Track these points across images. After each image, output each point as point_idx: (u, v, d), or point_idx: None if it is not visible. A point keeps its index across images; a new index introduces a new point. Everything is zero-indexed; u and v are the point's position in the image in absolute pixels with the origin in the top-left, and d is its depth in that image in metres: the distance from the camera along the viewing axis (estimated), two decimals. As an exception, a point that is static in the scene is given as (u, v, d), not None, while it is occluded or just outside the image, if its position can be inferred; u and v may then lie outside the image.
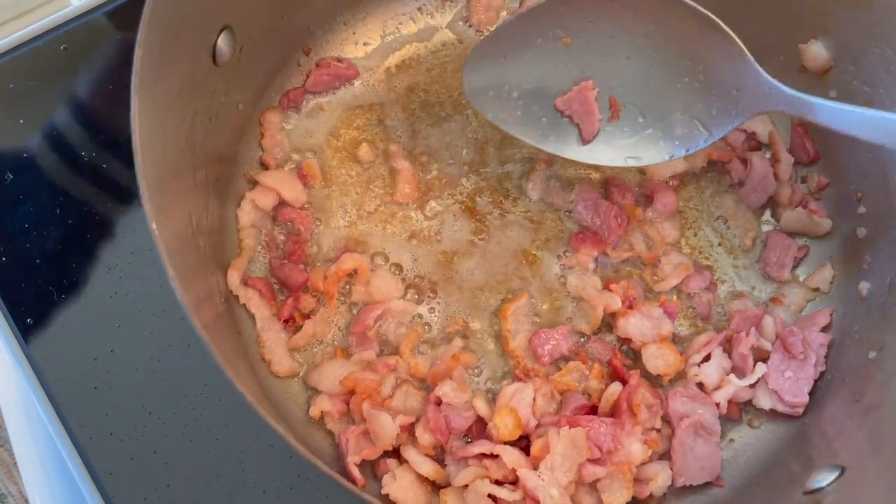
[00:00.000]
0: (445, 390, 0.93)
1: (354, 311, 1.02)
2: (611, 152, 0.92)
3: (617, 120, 0.93)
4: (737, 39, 0.88)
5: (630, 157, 0.92)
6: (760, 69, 0.88)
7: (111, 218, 1.09)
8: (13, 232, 1.07)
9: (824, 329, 1.02)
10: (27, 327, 1.02)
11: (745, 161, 1.12)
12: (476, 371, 1.01)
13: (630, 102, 0.92)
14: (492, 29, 1.21)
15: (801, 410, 0.97)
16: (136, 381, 1.01)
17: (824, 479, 0.85)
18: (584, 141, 0.93)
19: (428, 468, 0.90)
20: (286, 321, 1.00)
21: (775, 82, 0.88)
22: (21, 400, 1.04)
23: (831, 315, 1.03)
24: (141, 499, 0.95)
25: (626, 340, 1.02)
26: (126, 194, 1.10)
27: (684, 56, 0.90)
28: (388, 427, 0.90)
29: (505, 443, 0.90)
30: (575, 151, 0.94)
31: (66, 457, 0.97)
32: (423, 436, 0.92)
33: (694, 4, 0.88)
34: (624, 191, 1.09)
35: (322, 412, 0.95)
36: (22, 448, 1.03)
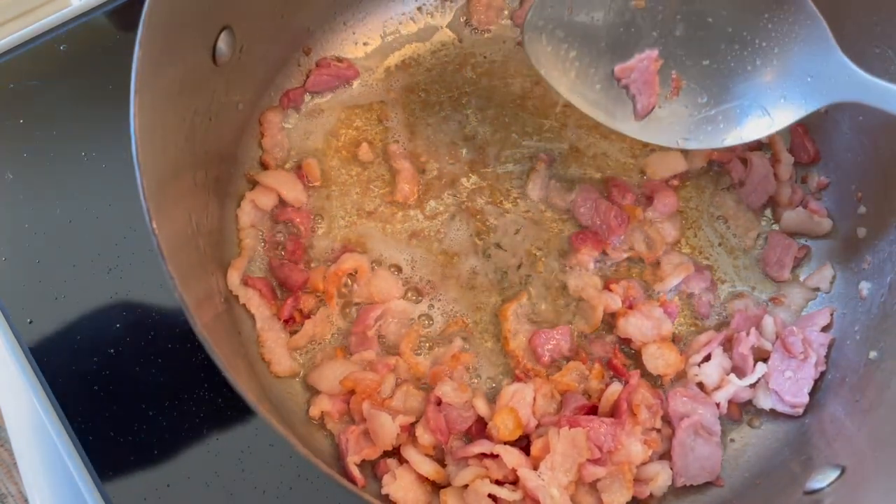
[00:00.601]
0: (445, 390, 0.93)
1: (354, 311, 1.02)
2: (663, 131, 0.88)
3: (676, 98, 0.88)
4: (823, 21, 0.83)
5: (684, 138, 0.87)
6: (842, 55, 0.83)
7: (111, 218, 1.09)
8: (13, 232, 1.07)
9: (824, 329, 1.02)
10: (27, 327, 1.02)
11: (745, 161, 1.12)
12: (476, 371, 1.01)
13: (693, 81, 0.87)
14: (492, 28, 1.22)
15: (801, 410, 0.97)
16: (136, 381, 1.01)
17: (824, 479, 0.85)
18: (638, 116, 0.89)
19: (428, 468, 0.90)
20: (286, 321, 1.00)
21: (859, 70, 0.83)
22: (21, 400, 1.04)
23: (831, 315, 1.03)
24: (141, 499, 0.95)
25: (626, 340, 1.02)
26: (126, 194, 1.10)
27: (762, 36, 0.85)
28: (388, 427, 0.90)
29: (505, 443, 0.90)
30: (626, 125, 0.89)
31: (66, 457, 0.97)
32: (423, 436, 0.92)
33: None
34: (624, 191, 1.09)
35: (322, 412, 0.95)
36: (22, 448, 1.03)
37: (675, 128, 0.87)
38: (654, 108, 0.88)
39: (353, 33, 1.19)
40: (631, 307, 1.03)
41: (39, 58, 1.18)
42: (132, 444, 0.97)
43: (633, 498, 0.91)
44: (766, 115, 0.86)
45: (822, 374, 0.99)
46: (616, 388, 0.95)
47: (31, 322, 1.03)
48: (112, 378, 1.00)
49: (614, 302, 1.03)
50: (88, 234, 1.08)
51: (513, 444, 0.90)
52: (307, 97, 1.14)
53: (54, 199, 1.10)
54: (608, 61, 0.89)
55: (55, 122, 1.14)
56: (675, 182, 1.12)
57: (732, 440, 1.00)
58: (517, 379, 0.98)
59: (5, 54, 1.17)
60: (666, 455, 0.96)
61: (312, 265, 1.04)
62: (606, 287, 1.05)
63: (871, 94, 0.82)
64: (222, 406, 1.00)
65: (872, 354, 0.95)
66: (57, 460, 0.99)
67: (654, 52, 0.88)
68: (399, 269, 1.06)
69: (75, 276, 1.06)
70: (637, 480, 0.92)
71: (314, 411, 0.95)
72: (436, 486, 0.91)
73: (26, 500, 1.01)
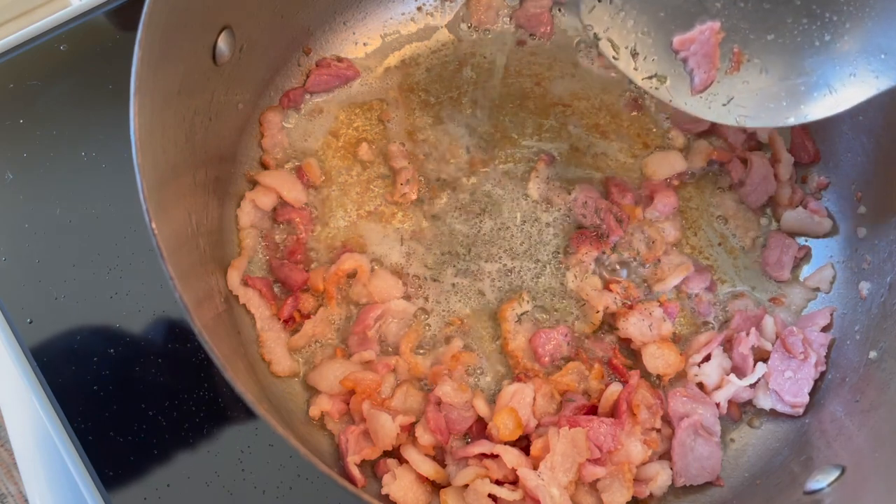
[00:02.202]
0: (445, 390, 0.93)
1: (354, 311, 1.02)
2: (722, 108, 0.83)
3: (737, 73, 0.84)
4: None
5: (744, 116, 0.82)
6: None
7: (111, 218, 1.09)
8: (13, 232, 1.07)
9: (824, 329, 1.02)
10: (27, 327, 1.02)
11: (745, 161, 1.12)
12: (476, 371, 1.01)
13: (756, 56, 0.82)
14: (492, 28, 1.22)
15: (801, 410, 0.97)
16: (136, 381, 1.01)
17: (824, 479, 0.85)
18: (696, 90, 0.84)
19: (428, 468, 0.90)
20: (286, 321, 1.00)
21: None
22: (21, 400, 1.04)
23: (831, 315, 1.03)
24: (141, 499, 0.95)
25: (626, 340, 1.02)
26: (127, 194, 1.10)
27: (833, 9, 0.79)
28: (388, 427, 0.90)
29: (505, 443, 0.90)
30: (682, 100, 0.85)
31: (66, 457, 0.96)
32: (423, 436, 0.92)
33: None
34: (624, 190, 1.09)
35: (322, 412, 0.95)
36: (22, 448, 1.03)
37: (734, 104, 0.83)
38: (712, 82, 0.84)
39: (353, 33, 1.19)
40: (631, 307, 1.03)
41: (39, 58, 1.18)
42: (132, 444, 0.97)
43: (633, 498, 0.91)
44: (832, 94, 0.81)
45: (822, 374, 0.99)
46: (616, 388, 0.95)
47: (31, 322, 1.03)
48: (112, 378, 1.00)
49: (614, 302, 1.03)
50: (88, 234, 1.08)
51: (513, 444, 0.91)
52: (307, 97, 1.14)
53: (54, 199, 1.10)
54: (667, 31, 0.85)
55: (55, 122, 1.14)
56: (676, 182, 1.13)
57: (732, 440, 1.00)
58: (517, 379, 0.98)
59: (5, 54, 1.17)
60: (666, 455, 0.96)
61: (312, 265, 1.04)
62: (606, 287, 1.05)
63: None
64: (222, 406, 1.00)
65: (872, 354, 0.95)
66: (57, 460, 0.99)
67: (717, 24, 0.84)
68: (399, 269, 1.06)
69: (75, 276, 1.06)
70: (637, 480, 0.92)
71: (314, 411, 0.95)
72: (436, 486, 0.91)
73: (26, 500, 1.01)
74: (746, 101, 0.82)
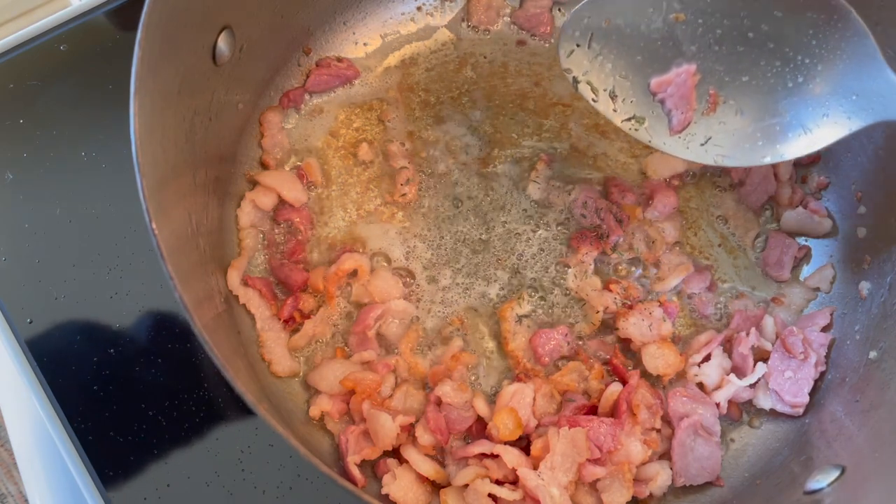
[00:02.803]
0: (445, 390, 0.93)
1: (354, 312, 1.02)
2: (699, 148, 0.85)
3: (713, 114, 0.85)
4: (871, 37, 0.80)
5: (720, 155, 0.84)
6: (891, 72, 0.80)
7: (111, 218, 1.09)
8: (13, 232, 1.07)
9: (824, 329, 1.02)
10: (27, 327, 1.02)
11: (745, 161, 1.12)
12: (476, 371, 1.01)
13: (731, 97, 0.84)
14: (492, 28, 1.22)
15: (801, 410, 0.97)
16: (136, 381, 1.01)
17: (824, 479, 0.85)
18: (673, 131, 0.86)
19: (428, 468, 0.90)
20: (286, 321, 1.00)
21: None
22: (21, 400, 1.04)
23: (831, 315, 1.03)
24: (141, 499, 0.95)
25: (626, 340, 1.02)
26: (127, 194, 1.10)
27: (805, 52, 0.81)
28: (388, 427, 0.90)
29: (505, 443, 0.90)
30: (660, 140, 0.86)
31: (66, 457, 0.96)
32: (423, 436, 0.92)
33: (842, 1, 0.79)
34: (624, 190, 1.09)
35: (322, 412, 0.95)
36: (22, 448, 1.03)
37: (711, 144, 0.85)
38: (690, 123, 0.86)
39: (353, 33, 1.19)
40: (631, 307, 1.03)
41: (39, 58, 1.18)
42: (132, 444, 0.97)
43: (633, 498, 0.91)
44: (807, 133, 0.83)
45: (822, 374, 0.99)
46: (616, 388, 0.95)
47: (30, 322, 1.03)
48: (112, 378, 1.00)
49: (614, 302, 1.03)
50: (88, 234, 1.08)
51: (513, 444, 0.91)
52: (307, 97, 1.14)
53: (54, 199, 1.10)
54: (645, 74, 0.87)
55: (55, 122, 1.14)
56: (676, 182, 1.12)
57: (732, 440, 1.00)
58: (517, 379, 0.98)
59: (5, 54, 1.17)
60: (666, 455, 0.96)
61: (312, 265, 1.04)
62: (606, 287, 1.05)
63: None
64: (222, 406, 1.00)
65: (872, 354, 0.95)
66: (57, 460, 0.99)
67: (693, 67, 0.86)
68: (399, 269, 1.06)
69: (75, 276, 1.06)
70: (637, 480, 0.92)
71: (314, 411, 0.95)
72: (436, 486, 0.91)
73: (26, 500, 1.01)
74: (723, 140, 0.84)
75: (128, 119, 0.71)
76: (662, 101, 0.86)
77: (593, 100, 0.88)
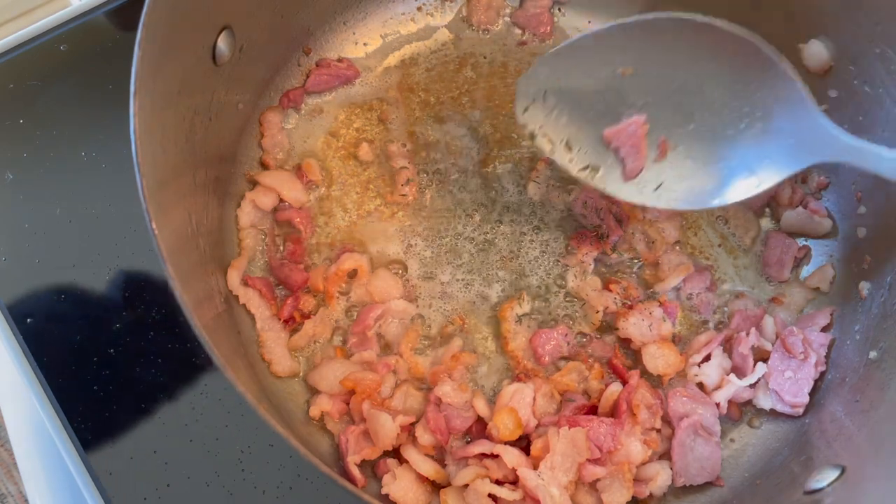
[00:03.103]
0: (445, 390, 0.93)
1: (354, 311, 1.02)
2: (652, 192, 0.89)
3: (664, 160, 0.90)
4: (804, 87, 0.85)
5: (672, 199, 0.88)
6: (824, 117, 0.84)
7: (111, 218, 1.09)
8: (13, 232, 1.07)
9: (824, 329, 1.02)
10: (27, 327, 1.02)
11: (745, 161, 1.12)
12: (476, 371, 1.01)
13: (681, 144, 0.88)
14: (491, 28, 1.22)
15: (801, 410, 0.97)
16: (136, 381, 1.01)
17: (824, 479, 0.85)
18: (626, 177, 0.90)
19: (428, 468, 0.90)
20: (286, 321, 1.00)
21: (838, 131, 0.84)
22: (21, 400, 1.04)
23: (831, 315, 1.03)
24: (141, 499, 0.95)
25: (625, 340, 1.02)
26: (127, 194, 1.10)
27: (746, 101, 0.87)
28: (388, 427, 0.90)
29: (505, 443, 0.90)
30: (615, 186, 0.90)
31: (66, 457, 0.96)
32: (423, 436, 0.92)
33: (768, 47, 0.85)
34: (624, 191, 1.09)
35: (322, 412, 0.95)
36: (22, 448, 1.03)
37: (664, 189, 0.89)
38: (641, 170, 0.89)
39: (354, 33, 1.19)
40: (631, 307, 1.03)
41: (39, 58, 1.18)
42: (132, 444, 0.97)
43: (633, 498, 0.91)
44: (753, 175, 0.86)
45: (822, 374, 0.99)
46: (616, 388, 0.95)
47: (30, 322, 1.03)
48: (112, 378, 1.01)
49: (614, 302, 1.03)
50: (88, 234, 1.08)
51: (513, 444, 0.90)
52: (307, 97, 1.14)
53: (54, 199, 1.10)
54: (597, 126, 0.91)
55: (55, 122, 1.15)
56: (676, 182, 1.13)
57: (732, 440, 1.00)
58: (517, 379, 0.98)
59: (5, 54, 1.17)
60: (666, 455, 0.96)
61: (312, 265, 1.04)
62: (606, 287, 1.05)
63: (851, 154, 0.83)
64: (223, 407, 1.00)
65: (872, 354, 0.95)
66: (57, 460, 0.99)
67: (642, 117, 0.90)
68: (399, 269, 1.06)
69: (75, 276, 1.06)
70: (637, 480, 0.92)
71: (314, 411, 0.95)
72: (436, 486, 0.91)
73: (26, 500, 1.01)
74: (675, 185, 0.88)
75: (128, 119, 0.71)
76: (616, 150, 0.90)
77: (550, 151, 0.92)
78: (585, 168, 0.91)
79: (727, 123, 0.87)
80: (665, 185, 0.88)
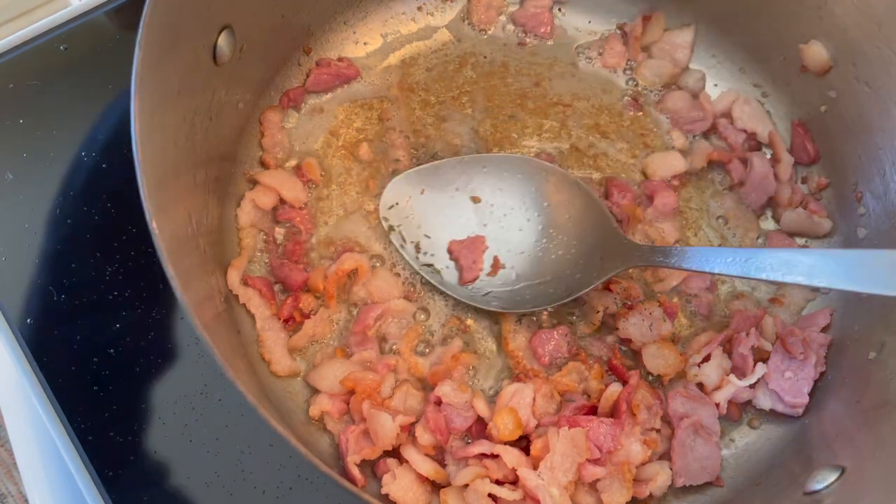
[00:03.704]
0: (445, 390, 0.93)
1: (354, 311, 1.02)
2: (481, 297, 1.02)
3: (495, 276, 1.03)
4: (612, 218, 1.04)
5: (497, 305, 1.02)
6: (625, 237, 1.02)
7: (111, 218, 1.09)
8: (13, 232, 1.07)
9: (824, 329, 1.02)
10: (27, 327, 1.02)
11: (745, 161, 1.12)
12: (476, 371, 1.01)
13: (510, 264, 1.03)
14: (491, 28, 1.22)
15: (800, 411, 0.97)
16: (136, 381, 1.00)
17: (824, 479, 0.85)
18: (462, 283, 1.03)
19: (428, 468, 0.90)
20: (286, 321, 1.00)
21: (635, 244, 1.01)
22: (21, 400, 1.04)
23: (831, 315, 1.03)
24: (141, 499, 0.95)
25: (626, 341, 1.02)
26: (126, 194, 1.10)
27: (565, 234, 1.04)
28: (388, 427, 0.90)
29: (505, 443, 0.90)
30: (448, 287, 1.03)
31: (66, 457, 0.96)
32: (423, 436, 0.92)
33: (589, 189, 1.05)
34: (624, 190, 1.09)
35: (322, 412, 0.95)
36: (22, 448, 1.03)
37: (491, 296, 1.02)
38: (476, 279, 1.03)
39: (354, 33, 1.19)
40: (631, 307, 1.03)
41: (39, 58, 1.18)
42: (132, 444, 0.97)
43: (633, 498, 0.90)
44: (563, 289, 1.01)
45: (822, 374, 0.99)
46: (616, 388, 0.95)
47: (30, 322, 1.03)
48: (112, 378, 1.00)
49: (614, 302, 1.03)
50: (88, 233, 1.08)
51: (513, 444, 0.90)
52: (307, 97, 1.14)
53: (54, 199, 1.10)
54: (446, 235, 1.05)
55: (55, 122, 1.14)
56: (676, 182, 1.13)
57: (732, 440, 1.00)
58: (517, 379, 0.98)
59: (5, 54, 1.17)
60: (666, 455, 0.96)
61: (312, 265, 1.04)
62: (606, 287, 1.05)
63: (645, 258, 0.97)
64: (222, 407, 1.00)
65: (872, 354, 0.95)
66: (57, 460, 0.99)
67: (483, 237, 1.05)
68: (399, 269, 1.05)
69: (75, 276, 1.05)
70: (637, 480, 0.92)
71: (314, 411, 0.95)
72: (435, 486, 0.91)
73: (26, 500, 1.01)
74: (501, 295, 1.02)
75: (128, 119, 0.71)
76: (457, 259, 1.04)
77: (401, 245, 1.05)
78: (428, 265, 1.04)
79: (549, 251, 1.03)
80: (493, 293, 1.02)
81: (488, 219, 1.06)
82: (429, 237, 1.05)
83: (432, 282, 1.04)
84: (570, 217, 1.05)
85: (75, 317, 1.03)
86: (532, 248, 1.04)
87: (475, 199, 1.07)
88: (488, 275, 1.03)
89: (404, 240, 1.06)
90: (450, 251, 1.05)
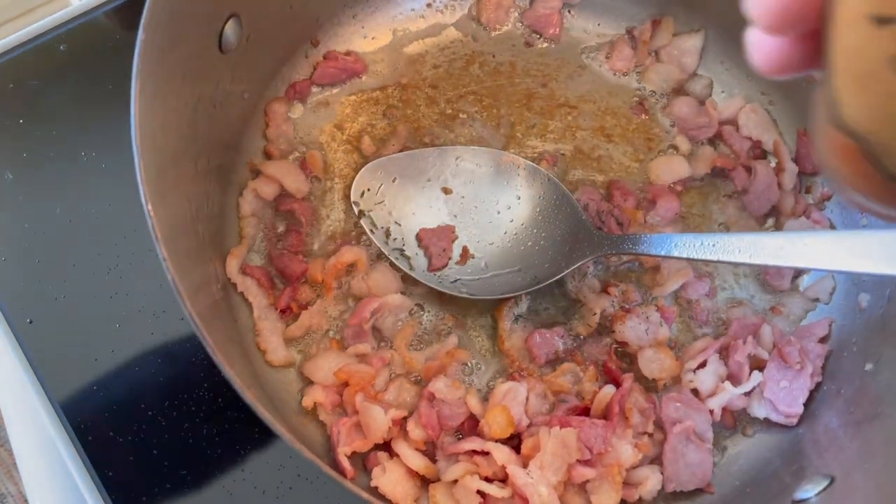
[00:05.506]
0: (439, 386, 0.93)
1: (352, 304, 1.02)
2: (450, 283, 1.03)
3: (464, 265, 1.04)
4: (582, 211, 1.05)
5: (465, 292, 1.03)
6: (594, 228, 1.03)
7: (111, 218, 1.09)
8: (13, 232, 1.07)
9: (822, 340, 1.02)
10: (27, 327, 1.02)
11: (749, 169, 1.12)
12: (470, 368, 1.01)
13: (479, 254, 1.04)
14: (500, 28, 1.22)
15: (795, 420, 0.97)
16: (136, 381, 1.00)
17: (813, 489, 0.85)
18: (431, 269, 1.04)
19: (418, 462, 0.90)
20: (283, 311, 1.00)
21: (604, 234, 1.03)
22: (21, 400, 1.04)
23: (830, 326, 1.03)
24: (141, 499, 0.95)
25: (622, 344, 1.02)
26: (126, 194, 1.10)
27: (535, 226, 1.05)
28: (379, 420, 0.90)
29: (496, 440, 0.90)
30: (417, 273, 1.04)
31: (66, 457, 0.96)
32: (415, 430, 0.92)
33: (556, 181, 1.07)
34: (626, 194, 1.09)
35: (315, 402, 0.95)
36: (22, 448, 1.02)
37: (460, 283, 1.03)
38: (445, 267, 1.04)
39: (362, 27, 1.19)
40: (628, 311, 1.03)
41: (39, 58, 1.18)
42: (132, 444, 0.97)
43: (623, 501, 0.90)
44: (531, 278, 1.02)
45: (818, 384, 0.99)
46: (609, 390, 0.95)
47: (31, 322, 1.03)
48: (112, 378, 1.00)
49: (612, 305, 1.03)
50: (88, 234, 1.08)
51: (504, 442, 0.90)
52: (314, 89, 1.14)
53: (54, 199, 1.10)
54: (416, 224, 1.06)
55: (55, 122, 1.14)
56: (679, 187, 1.12)
57: (725, 448, 0.99)
58: (511, 378, 0.98)
59: (5, 54, 1.17)
60: (657, 460, 0.95)
61: (312, 256, 1.04)
62: (604, 290, 1.05)
63: (613, 245, 0.99)
64: (222, 406, 1.00)
65: (869, 366, 0.94)
66: (57, 460, 0.99)
67: (453, 227, 1.06)
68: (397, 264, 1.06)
69: (75, 276, 1.05)
70: (627, 483, 0.92)
71: (307, 401, 0.95)
72: (425, 481, 0.91)
73: (26, 500, 1.01)
74: (469, 283, 1.03)
75: (129, 118, 0.71)
76: (426, 247, 1.05)
77: (371, 231, 1.05)
78: (397, 251, 1.04)
79: (519, 242, 1.05)
80: (461, 281, 1.03)
81: (459, 210, 1.07)
82: (399, 224, 1.06)
83: (402, 267, 1.04)
84: (540, 210, 1.06)
85: (75, 317, 1.03)
86: (501, 240, 1.05)
87: (446, 191, 1.07)
88: (457, 263, 1.04)
89: (375, 225, 1.06)
90: (419, 238, 1.05)
